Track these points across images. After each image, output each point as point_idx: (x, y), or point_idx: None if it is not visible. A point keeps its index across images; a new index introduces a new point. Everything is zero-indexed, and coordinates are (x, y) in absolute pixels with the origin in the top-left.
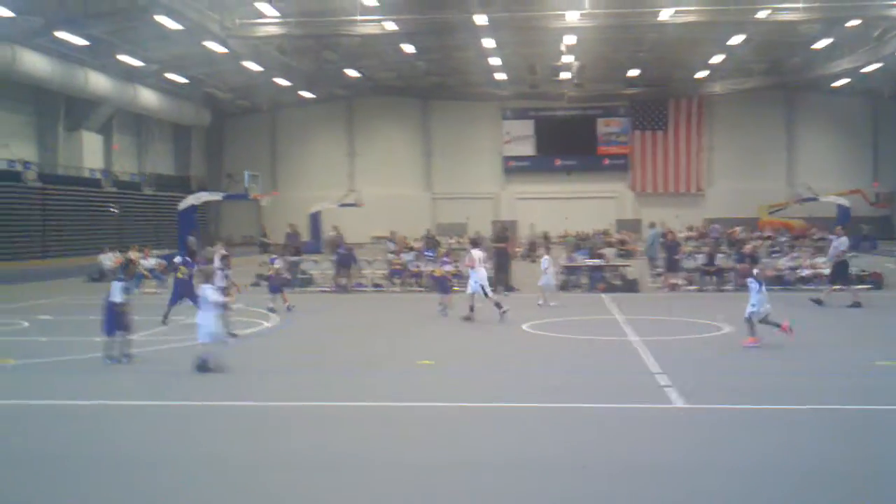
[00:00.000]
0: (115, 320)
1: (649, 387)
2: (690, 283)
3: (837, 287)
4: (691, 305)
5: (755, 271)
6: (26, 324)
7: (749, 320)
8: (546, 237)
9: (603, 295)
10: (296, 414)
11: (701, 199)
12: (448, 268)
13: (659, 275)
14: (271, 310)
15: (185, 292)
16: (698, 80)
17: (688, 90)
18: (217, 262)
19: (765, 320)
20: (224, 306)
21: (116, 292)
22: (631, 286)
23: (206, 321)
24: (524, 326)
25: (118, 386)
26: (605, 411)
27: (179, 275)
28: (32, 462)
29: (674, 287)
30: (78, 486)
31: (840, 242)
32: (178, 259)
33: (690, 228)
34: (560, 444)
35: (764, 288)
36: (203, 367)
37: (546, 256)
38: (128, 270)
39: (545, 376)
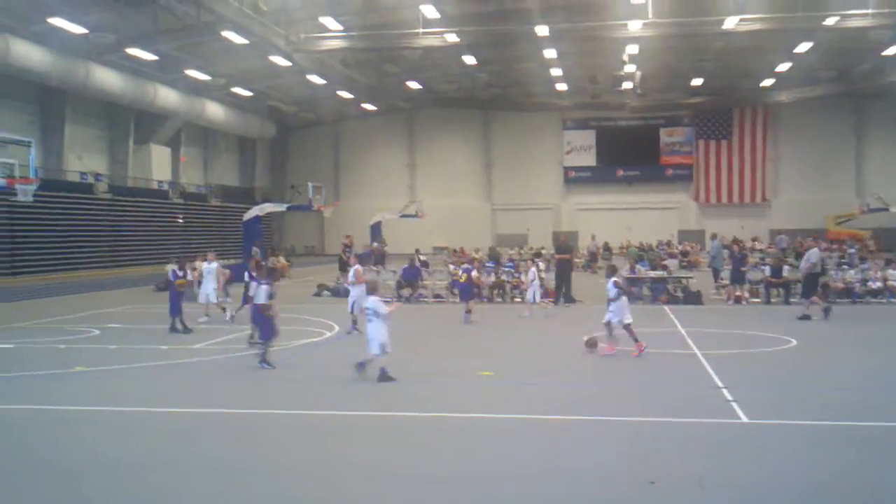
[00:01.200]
0: (269, 324)
1: (715, 401)
2: (755, 296)
3: (815, 299)
4: (757, 318)
5: (614, 279)
6: (97, 332)
7: (608, 325)
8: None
9: (665, 307)
10: (346, 424)
11: (766, 209)
12: (474, 273)
13: (723, 287)
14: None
15: (180, 304)
16: (764, 88)
17: (753, 99)
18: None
19: (612, 326)
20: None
21: (262, 295)
22: (694, 298)
23: (377, 333)
24: (586, 338)
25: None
26: (672, 426)
27: (180, 289)
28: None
29: (739, 299)
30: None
31: (811, 254)
32: (170, 275)
33: (755, 239)
34: (626, 458)
35: (625, 297)
36: (384, 377)
37: (532, 268)
38: (273, 274)
39: (608, 389)
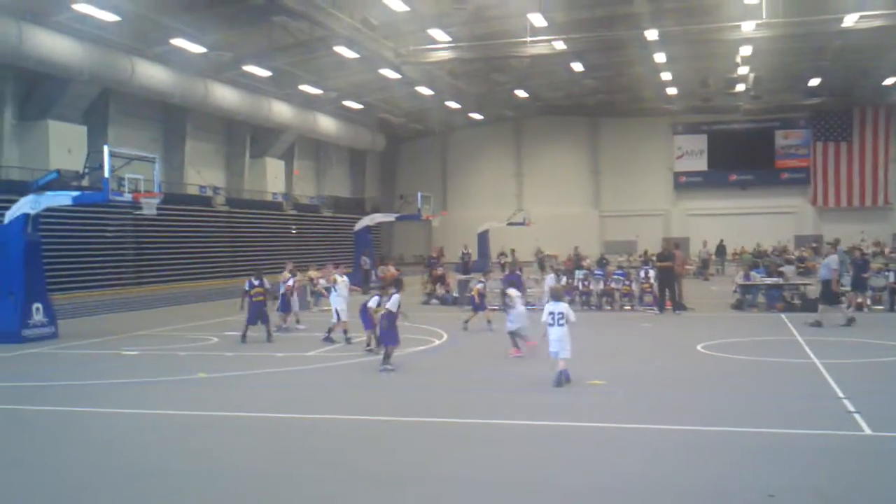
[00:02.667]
0: (393, 331)
1: (836, 412)
2: (878, 303)
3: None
4: (880, 326)
5: (512, 292)
6: (215, 339)
7: (512, 334)
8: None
9: (782, 315)
10: (458, 431)
11: (889, 212)
12: (479, 286)
13: (843, 293)
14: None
15: (258, 314)
16: (886, 86)
17: (874, 98)
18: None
19: (517, 334)
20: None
21: (394, 303)
22: (812, 306)
23: (568, 337)
24: (699, 347)
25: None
26: (790, 437)
27: (256, 298)
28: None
29: (860, 306)
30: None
31: (830, 260)
32: (247, 285)
33: (877, 244)
34: (744, 470)
35: (522, 306)
36: (568, 378)
37: (550, 275)
38: (399, 284)
39: (722, 399)
